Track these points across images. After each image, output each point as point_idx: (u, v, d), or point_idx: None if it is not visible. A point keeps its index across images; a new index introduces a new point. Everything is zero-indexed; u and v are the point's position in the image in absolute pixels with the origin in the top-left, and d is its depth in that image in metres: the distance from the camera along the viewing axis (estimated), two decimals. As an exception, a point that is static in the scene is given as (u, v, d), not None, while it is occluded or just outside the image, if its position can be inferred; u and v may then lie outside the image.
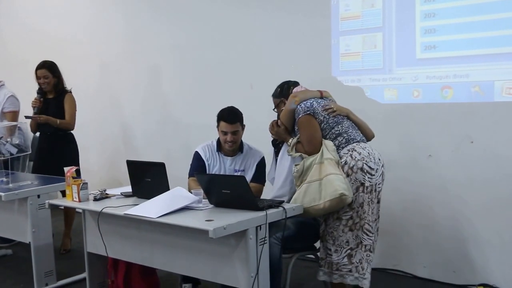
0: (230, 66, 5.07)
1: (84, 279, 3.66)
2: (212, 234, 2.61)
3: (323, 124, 3.26)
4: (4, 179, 4.12)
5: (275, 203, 3.04)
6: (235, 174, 3.64)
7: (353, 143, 3.23)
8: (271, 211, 2.92)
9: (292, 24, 4.58)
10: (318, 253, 3.33)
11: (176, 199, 3.06)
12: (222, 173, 3.66)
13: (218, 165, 3.71)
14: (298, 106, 3.30)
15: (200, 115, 5.37)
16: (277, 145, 3.55)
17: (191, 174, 3.66)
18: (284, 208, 2.98)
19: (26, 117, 4.72)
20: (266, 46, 4.76)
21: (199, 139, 5.18)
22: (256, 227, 2.81)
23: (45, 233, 3.93)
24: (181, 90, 5.54)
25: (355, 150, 3.18)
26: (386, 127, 4.17)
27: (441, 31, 3.89)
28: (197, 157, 3.73)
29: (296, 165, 3.23)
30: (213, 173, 3.65)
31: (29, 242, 3.88)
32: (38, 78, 4.79)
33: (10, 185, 3.97)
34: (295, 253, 3.29)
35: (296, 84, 3.53)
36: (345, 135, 3.25)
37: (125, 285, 3.57)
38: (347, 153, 3.19)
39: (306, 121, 3.26)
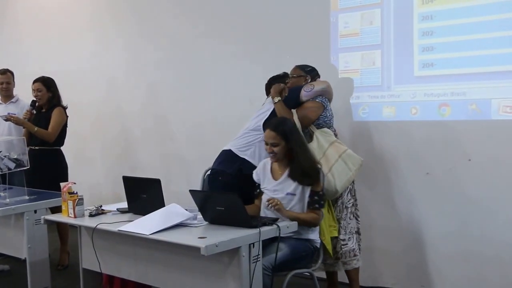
0: (229, 82, 5.08)
1: (79, 295, 3.64)
2: (204, 251, 2.60)
3: (326, 119, 3.77)
4: (2, 194, 4.11)
5: (269, 221, 3.02)
6: None
7: None
8: (264, 228, 2.91)
9: (292, 41, 4.59)
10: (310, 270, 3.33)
11: (170, 216, 3.06)
12: None
13: None
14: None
15: (199, 131, 5.40)
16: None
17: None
18: (278, 226, 2.97)
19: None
20: (266, 62, 4.76)
21: (198, 155, 5.24)
22: (249, 244, 2.80)
23: (41, 249, 3.90)
24: (180, 106, 5.55)
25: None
26: (383, 144, 4.17)
27: (438, 49, 3.90)
28: None
29: None
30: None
31: (25, 258, 3.86)
32: (33, 91, 4.91)
33: (7, 200, 3.96)
34: (290, 271, 3.25)
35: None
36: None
37: (120, 302, 3.55)
38: None
39: (320, 108, 3.75)
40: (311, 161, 3.35)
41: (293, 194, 3.31)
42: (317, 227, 3.41)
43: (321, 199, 3.30)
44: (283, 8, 4.68)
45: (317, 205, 3.29)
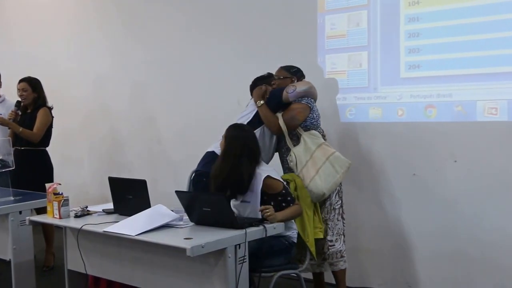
0: (217, 82, 5.07)
1: (65, 297, 3.61)
2: (189, 252, 2.59)
3: (313, 121, 3.73)
4: (-14, 195, 4.08)
5: (255, 222, 3.02)
6: None
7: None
8: (250, 229, 2.91)
9: (279, 42, 4.60)
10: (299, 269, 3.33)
11: (156, 217, 3.04)
12: None
13: None
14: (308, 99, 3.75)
15: (187, 132, 5.38)
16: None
17: None
18: (264, 227, 2.97)
19: None
20: (253, 63, 4.75)
21: (185, 155, 5.23)
22: (235, 245, 2.80)
23: (26, 250, 3.87)
24: (168, 106, 5.54)
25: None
26: (370, 145, 4.18)
27: (425, 51, 3.91)
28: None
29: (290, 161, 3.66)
30: None
31: (9, 260, 3.82)
32: (18, 90, 4.87)
33: (-9, 200, 3.93)
34: (276, 272, 3.24)
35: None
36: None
37: (106, 303, 3.53)
38: None
39: (306, 109, 3.71)
40: (232, 172, 3.25)
41: (248, 202, 3.28)
42: (293, 224, 3.39)
43: (286, 196, 3.25)
44: (270, 10, 4.67)
45: (284, 204, 3.23)
